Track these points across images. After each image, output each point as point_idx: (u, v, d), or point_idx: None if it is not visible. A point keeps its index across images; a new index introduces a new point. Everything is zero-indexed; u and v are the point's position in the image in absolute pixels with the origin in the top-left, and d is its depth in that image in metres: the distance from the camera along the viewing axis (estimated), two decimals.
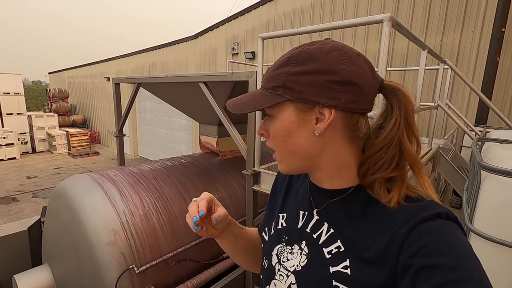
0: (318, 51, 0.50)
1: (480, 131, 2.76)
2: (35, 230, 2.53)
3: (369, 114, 1.38)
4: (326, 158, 0.54)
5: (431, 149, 2.54)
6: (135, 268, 1.78)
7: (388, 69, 3.98)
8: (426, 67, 2.30)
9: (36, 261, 2.44)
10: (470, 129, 2.83)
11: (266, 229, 0.71)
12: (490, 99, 3.41)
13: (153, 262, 1.87)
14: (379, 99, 1.21)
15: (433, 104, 2.61)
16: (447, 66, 2.72)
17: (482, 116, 3.64)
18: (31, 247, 2.47)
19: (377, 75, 0.53)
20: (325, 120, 0.50)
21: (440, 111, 3.17)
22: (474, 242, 0.95)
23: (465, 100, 3.95)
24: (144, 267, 1.81)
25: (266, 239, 0.69)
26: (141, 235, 1.91)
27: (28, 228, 2.47)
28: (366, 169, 0.53)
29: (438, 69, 2.71)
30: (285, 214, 0.67)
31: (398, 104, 0.52)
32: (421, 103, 2.14)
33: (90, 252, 1.75)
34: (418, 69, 2.02)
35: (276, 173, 0.79)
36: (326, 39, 0.55)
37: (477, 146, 1.49)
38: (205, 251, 2.23)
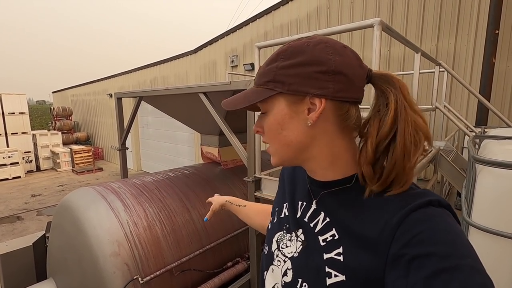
0: (305, 45, 0.53)
1: (479, 131, 2.77)
2: (40, 246, 2.53)
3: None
4: (318, 149, 0.56)
5: (431, 150, 2.55)
6: (140, 279, 1.78)
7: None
8: (423, 71, 2.34)
9: (41, 276, 2.44)
10: (470, 130, 2.84)
11: (271, 219, 0.74)
12: (488, 100, 3.43)
13: (157, 273, 1.87)
14: (371, 93, 1.24)
15: (431, 106, 2.63)
16: (443, 69, 2.76)
17: (482, 117, 3.65)
18: (36, 262, 2.47)
19: (364, 65, 0.55)
20: (317, 109, 0.52)
21: (440, 113, 3.19)
22: (473, 235, 0.95)
23: (465, 102, 3.97)
24: (148, 278, 1.81)
25: (269, 227, 0.72)
26: (144, 246, 1.92)
27: (33, 243, 2.48)
28: (377, 155, 0.51)
29: (434, 72, 2.75)
30: (288, 203, 0.69)
31: (392, 87, 0.52)
32: (418, 106, 2.16)
33: (94, 263, 1.76)
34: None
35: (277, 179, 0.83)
36: (313, 35, 0.58)
37: (474, 143, 1.50)
38: (209, 260, 2.22)
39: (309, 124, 0.53)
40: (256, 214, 0.99)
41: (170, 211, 2.21)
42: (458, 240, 0.41)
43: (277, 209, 0.73)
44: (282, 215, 0.69)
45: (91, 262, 1.77)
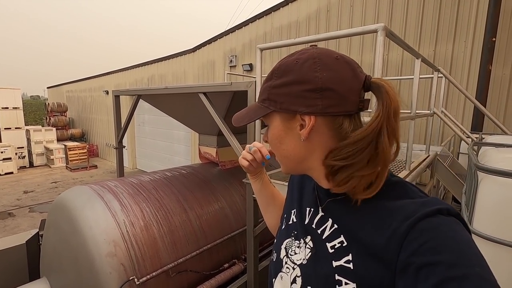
0: (294, 63, 0.55)
1: (476, 137, 2.80)
2: (33, 244, 2.50)
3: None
4: (317, 160, 0.58)
5: (428, 156, 2.57)
6: (136, 280, 1.76)
7: (383, 78, 4.04)
8: (421, 76, 2.35)
9: (33, 275, 2.40)
10: (467, 135, 2.87)
11: (279, 225, 0.74)
12: (484, 106, 3.47)
13: (154, 273, 1.85)
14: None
15: (429, 111, 2.65)
16: (441, 75, 2.78)
17: (477, 123, 3.70)
18: (29, 261, 2.43)
19: (360, 75, 0.54)
20: (306, 126, 0.55)
21: (437, 118, 3.22)
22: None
23: (461, 108, 4.01)
24: (144, 278, 1.79)
25: (278, 234, 0.72)
26: (141, 246, 1.90)
27: (26, 241, 2.45)
28: (330, 162, 0.53)
29: (432, 77, 2.77)
30: (296, 210, 0.69)
31: (381, 101, 0.51)
32: (417, 111, 2.17)
33: (90, 263, 1.74)
34: (413, 78, 2.06)
35: (281, 181, 0.83)
36: (311, 45, 0.59)
37: (474, 151, 1.51)
38: (205, 261, 2.21)
39: (302, 139, 0.56)
40: (282, 203, 0.87)
41: (167, 211, 2.19)
42: (466, 248, 0.41)
43: (285, 215, 0.73)
44: (290, 222, 0.69)
45: (86, 262, 1.75)
